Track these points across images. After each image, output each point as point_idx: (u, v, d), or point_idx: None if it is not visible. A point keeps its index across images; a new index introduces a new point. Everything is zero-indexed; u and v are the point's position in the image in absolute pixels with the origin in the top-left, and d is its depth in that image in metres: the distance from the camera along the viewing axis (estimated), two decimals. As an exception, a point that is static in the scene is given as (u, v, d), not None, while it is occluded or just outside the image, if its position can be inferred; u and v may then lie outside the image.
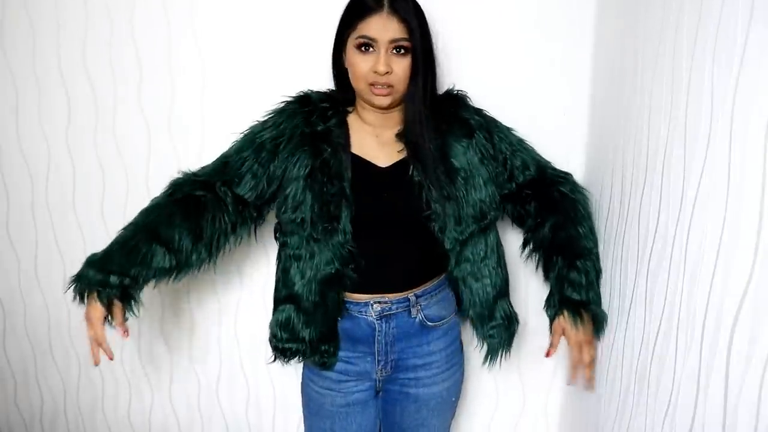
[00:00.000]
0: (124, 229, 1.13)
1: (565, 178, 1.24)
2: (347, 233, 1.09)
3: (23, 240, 1.55)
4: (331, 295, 1.13)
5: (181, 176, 1.18)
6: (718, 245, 0.69)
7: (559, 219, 1.18)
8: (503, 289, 1.22)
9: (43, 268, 1.57)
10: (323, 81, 1.23)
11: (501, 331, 1.22)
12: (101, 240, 1.52)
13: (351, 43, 1.07)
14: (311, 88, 1.20)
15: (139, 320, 1.58)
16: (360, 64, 1.06)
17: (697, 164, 0.75)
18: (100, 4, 1.36)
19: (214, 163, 1.19)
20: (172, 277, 1.14)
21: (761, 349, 0.61)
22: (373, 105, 1.11)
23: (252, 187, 1.14)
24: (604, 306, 1.16)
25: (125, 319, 1.09)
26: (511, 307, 1.25)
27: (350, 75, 1.11)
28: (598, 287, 1.16)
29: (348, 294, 1.15)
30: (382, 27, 1.04)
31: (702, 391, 0.72)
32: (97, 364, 1.08)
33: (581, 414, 1.32)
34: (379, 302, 1.15)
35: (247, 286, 1.52)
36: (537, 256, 1.23)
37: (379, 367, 1.19)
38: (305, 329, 1.14)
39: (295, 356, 1.18)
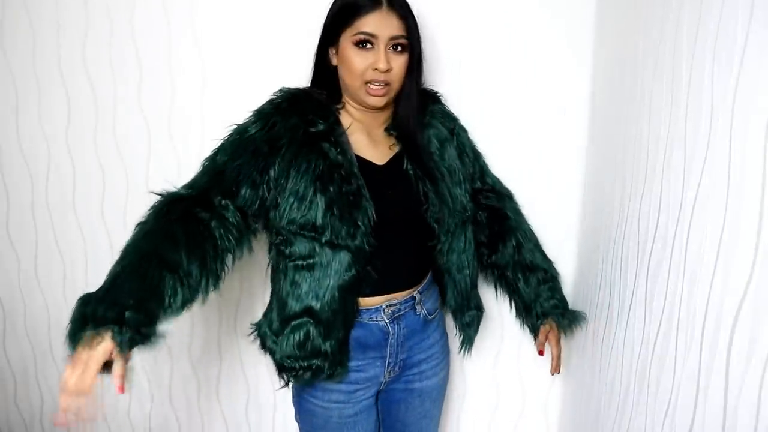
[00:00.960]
0: (121, 259, 0.92)
1: (511, 196, 1.34)
2: (368, 234, 1.05)
3: (23, 240, 1.55)
4: (350, 300, 1.09)
5: (166, 194, 1.02)
6: (718, 245, 0.69)
7: (518, 238, 1.28)
8: (476, 280, 1.28)
9: (43, 268, 1.57)
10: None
11: (474, 319, 1.29)
12: (101, 240, 1.54)
13: (347, 40, 1.04)
14: (287, 86, 1.13)
15: (139, 320, 1.59)
16: (357, 62, 1.04)
17: (697, 164, 0.75)
18: (100, 4, 1.36)
19: (202, 176, 1.05)
20: (180, 312, 0.95)
21: (761, 349, 0.60)
22: (365, 105, 1.10)
23: (251, 196, 1.03)
24: (604, 306, 1.16)
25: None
26: (479, 296, 1.32)
27: (344, 73, 1.08)
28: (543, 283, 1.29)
29: (360, 300, 1.12)
30: (382, 23, 1.03)
31: (702, 391, 0.72)
32: (63, 425, 0.78)
33: (581, 414, 1.32)
34: (390, 305, 1.14)
35: (246, 286, 1.52)
36: (501, 274, 1.31)
37: (389, 369, 1.18)
38: (325, 342, 1.07)
39: (315, 375, 1.10)
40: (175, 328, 1.59)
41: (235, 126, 1.08)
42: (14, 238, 1.55)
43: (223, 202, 1.01)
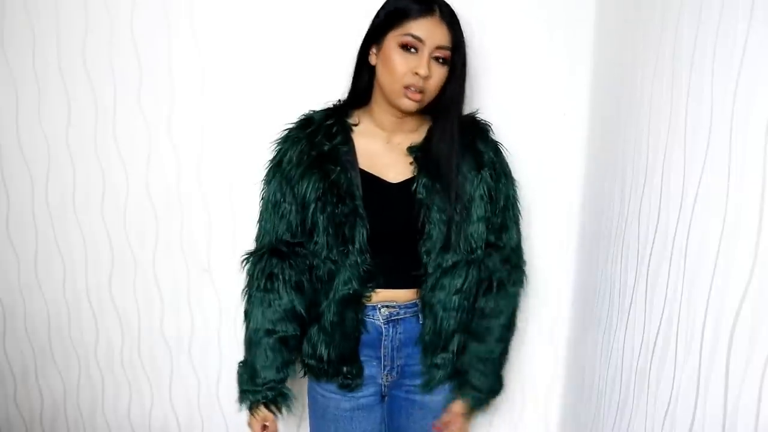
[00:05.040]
0: (250, 340, 1.18)
1: (515, 269, 1.21)
2: (364, 253, 1.08)
3: (23, 240, 1.55)
4: (349, 314, 1.12)
5: (248, 256, 1.17)
6: (718, 245, 0.69)
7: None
8: (466, 327, 1.18)
9: (43, 268, 1.57)
10: (322, 81, 1.24)
11: (448, 363, 1.18)
12: (101, 240, 1.54)
13: (393, 40, 1.04)
14: (314, 109, 1.17)
15: (138, 320, 1.58)
16: (400, 63, 1.03)
17: (697, 164, 0.75)
18: (100, 4, 1.36)
19: (260, 230, 1.18)
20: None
21: (761, 349, 0.61)
22: (399, 108, 1.08)
23: (297, 225, 1.13)
24: (604, 306, 1.16)
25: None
26: (463, 343, 1.20)
27: (382, 73, 1.07)
28: (483, 362, 1.18)
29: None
30: (432, 30, 1.02)
31: (702, 391, 0.72)
32: None
33: (581, 414, 1.32)
34: (387, 306, 1.14)
35: (247, 286, 1.52)
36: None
37: (385, 372, 1.19)
38: (324, 348, 1.15)
39: (321, 375, 1.18)
40: (176, 327, 1.60)
41: (268, 162, 1.16)
42: (14, 238, 1.55)
43: (278, 245, 1.15)
